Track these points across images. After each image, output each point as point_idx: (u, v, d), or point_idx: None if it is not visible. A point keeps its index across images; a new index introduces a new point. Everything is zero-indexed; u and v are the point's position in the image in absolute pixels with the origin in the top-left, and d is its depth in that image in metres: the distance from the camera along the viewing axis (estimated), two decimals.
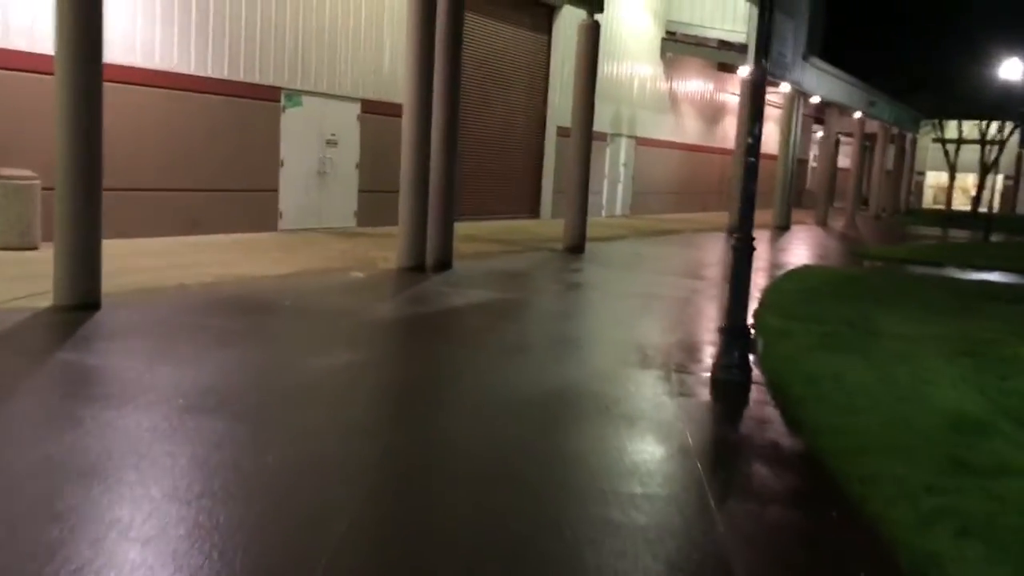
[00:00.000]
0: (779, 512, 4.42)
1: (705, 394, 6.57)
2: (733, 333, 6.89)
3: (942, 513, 4.25)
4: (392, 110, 12.02)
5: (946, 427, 5.75)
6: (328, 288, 10.04)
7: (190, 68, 12.84)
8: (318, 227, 15.07)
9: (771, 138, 26.41)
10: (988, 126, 35.45)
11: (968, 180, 49.41)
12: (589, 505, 4.25)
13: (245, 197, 13.88)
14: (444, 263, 11.90)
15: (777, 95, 25.55)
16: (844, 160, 42.25)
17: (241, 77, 13.61)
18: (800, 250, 20.14)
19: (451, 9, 11.56)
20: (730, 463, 5.16)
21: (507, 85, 20.05)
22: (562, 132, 19.75)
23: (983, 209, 33.79)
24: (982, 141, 34.92)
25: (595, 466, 4.84)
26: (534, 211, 21.55)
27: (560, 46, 20.75)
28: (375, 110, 15.78)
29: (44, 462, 4.36)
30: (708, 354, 7.93)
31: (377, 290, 10.34)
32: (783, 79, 22.70)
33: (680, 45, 26.09)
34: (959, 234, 30.69)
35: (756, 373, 6.98)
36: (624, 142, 25.04)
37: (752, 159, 6.94)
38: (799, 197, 35.29)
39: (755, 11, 21.71)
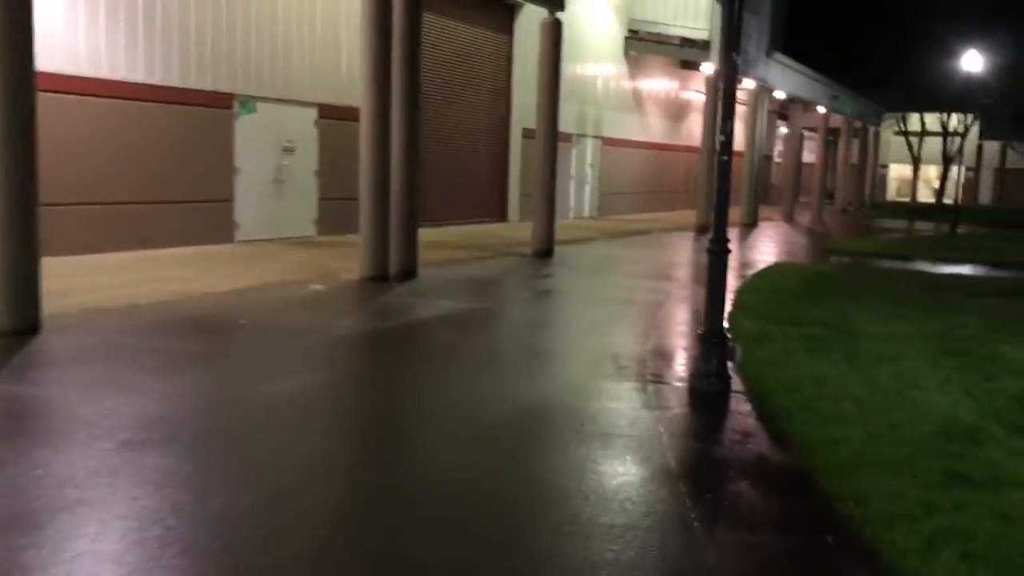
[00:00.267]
0: (771, 540, 4.09)
1: (684, 406, 6.26)
2: (711, 340, 6.58)
3: (945, 535, 3.95)
4: (351, 114, 11.59)
5: (937, 435, 5.48)
6: (286, 303, 9.60)
7: (137, 76, 12.32)
8: (277, 237, 14.58)
9: (737, 135, 26.21)
10: (949, 118, 35.66)
11: (931, 172, 49.86)
12: (566, 542, 3.90)
13: (199, 208, 13.37)
14: (409, 272, 11.51)
15: (742, 92, 25.42)
16: (809, 155, 42.36)
17: (192, 84, 13.09)
18: (769, 247, 19.99)
19: (407, 9, 11.17)
20: (716, 484, 4.83)
21: (470, 87, 19.68)
22: (527, 134, 19.43)
23: (948, 201, 33.96)
24: (944, 133, 35.11)
25: (573, 495, 4.47)
26: (501, 215, 21.19)
27: (522, 46, 20.39)
28: (333, 115, 15.33)
29: None
30: (684, 360, 7.63)
31: (338, 304, 9.91)
32: (748, 75, 22.57)
33: (643, 43, 25.89)
34: (925, 226, 30.80)
35: (735, 381, 6.68)
36: (590, 143, 24.77)
37: (725, 157, 6.65)
38: (765, 193, 35.30)
39: (717, 8, 21.56)
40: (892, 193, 56.99)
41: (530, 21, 19.00)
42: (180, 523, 3.87)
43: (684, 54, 26.09)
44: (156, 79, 12.58)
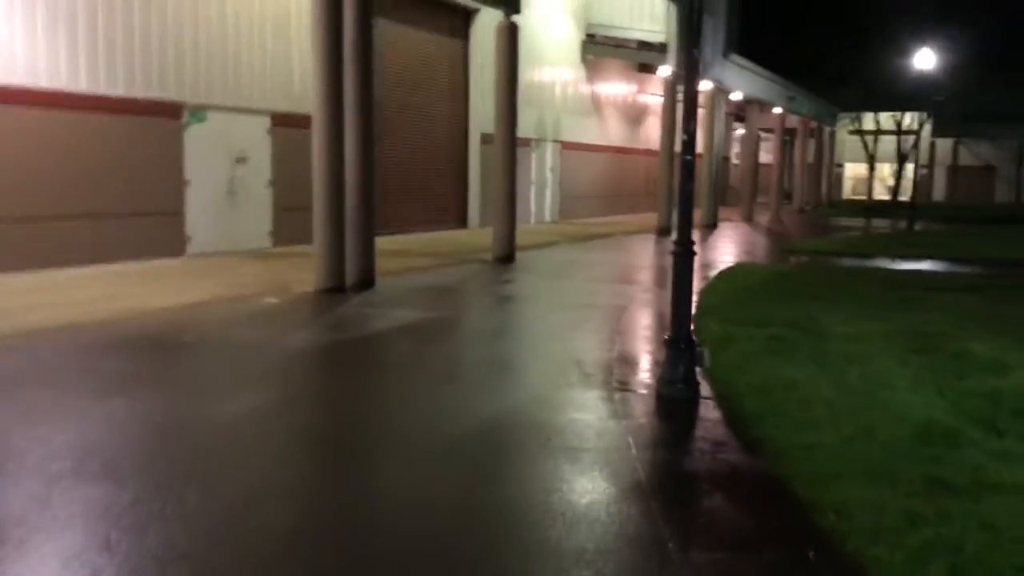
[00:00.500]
0: (750, 559, 3.87)
1: (652, 415, 6.04)
2: (677, 345, 6.37)
3: (932, 547, 3.77)
4: (306, 123, 11.24)
5: (913, 438, 5.31)
6: (238, 318, 9.23)
7: (80, 86, 11.86)
8: (230, 250, 14.16)
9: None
10: (903, 116, 36.09)
11: (886, 170, 50.46)
12: (536, 567, 3.65)
13: (148, 222, 12.91)
14: (366, 282, 11.18)
15: (699, 93, 25.44)
16: (765, 156, 42.68)
17: (138, 93, 12.66)
18: (730, 248, 19.94)
19: (359, 13, 10.86)
20: (689, 500, 4.60)
21: (426, 93, 19.38)
22: (486, 139, 19.20)
23: (904, 198, 34.34)
24: (898, 132, 35.49)
25: (539, 519, 4.21)
26: (462, 221, 20.92)
27: (479, 51, 20.16)
28: (287, 123, 14.95)
29: None
30: (650, 366, 7.42)
31: (292, 317, 9.57)
32: (704, 77, 22.55)
33: (600, 47, 25.81)
34: (882, 224, 31.07)
35: (703, 386, 6.48)
36: (549, 147, 24.60)
37: (688, 156, 6.47)
38: (723, 194, 35.42)
39: (673, 10, 21.54)
40: (848, 192, 57.67)
41: (486, 26, 18.78)
42: (108, 563, 3.55)
43: (641, 57, 26.07)
44: (100, 89, 12.12)
